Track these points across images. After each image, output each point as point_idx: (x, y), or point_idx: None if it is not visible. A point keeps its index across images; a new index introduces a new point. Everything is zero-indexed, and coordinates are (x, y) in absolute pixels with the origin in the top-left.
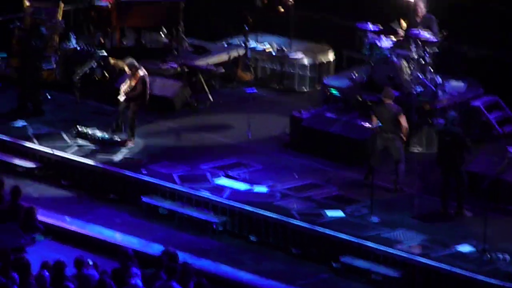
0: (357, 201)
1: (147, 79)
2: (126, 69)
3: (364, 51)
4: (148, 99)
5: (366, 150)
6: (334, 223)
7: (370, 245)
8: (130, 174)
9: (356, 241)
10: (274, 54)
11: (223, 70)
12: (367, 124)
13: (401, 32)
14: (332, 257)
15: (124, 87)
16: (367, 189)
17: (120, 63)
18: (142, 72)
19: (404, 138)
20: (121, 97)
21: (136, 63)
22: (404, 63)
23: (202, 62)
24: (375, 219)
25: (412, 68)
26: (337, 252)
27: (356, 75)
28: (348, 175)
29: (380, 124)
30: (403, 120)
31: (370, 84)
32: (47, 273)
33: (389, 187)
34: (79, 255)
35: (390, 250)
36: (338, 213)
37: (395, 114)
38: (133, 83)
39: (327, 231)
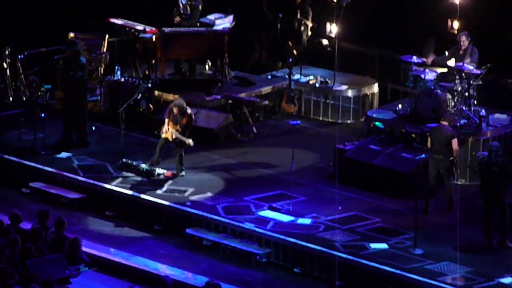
0: (401, 233)
1: (193, 117)
2: (175, 110)
3: (408, 84)
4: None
5: (414, 183)
6: (378, 255)
7: (414, 277)
8: (174, 206)
9: (399, 273)
10: (317, 86)
11: (267, 102)
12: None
13: (445, 65)
14: None
15: (168, 127)
16: (411, 221)
17: (165, 95)
18: (189, 110)
19: (455, 160)
20: (171, 137)
21: (184, 104)
22: (448, 96)
23: (246, 94)
24: (418, 251)
25: (456, 100)
26: (381, 284)
27: (400, 107)
28: (391, 207)
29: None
30: (455, 143)
31: (414, 116)
32: None
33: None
34: (130, 286)
35: (434, 282)
36: (382, 245)
37: (449, 136)
38: (183, 122)
39: (371, 263)
